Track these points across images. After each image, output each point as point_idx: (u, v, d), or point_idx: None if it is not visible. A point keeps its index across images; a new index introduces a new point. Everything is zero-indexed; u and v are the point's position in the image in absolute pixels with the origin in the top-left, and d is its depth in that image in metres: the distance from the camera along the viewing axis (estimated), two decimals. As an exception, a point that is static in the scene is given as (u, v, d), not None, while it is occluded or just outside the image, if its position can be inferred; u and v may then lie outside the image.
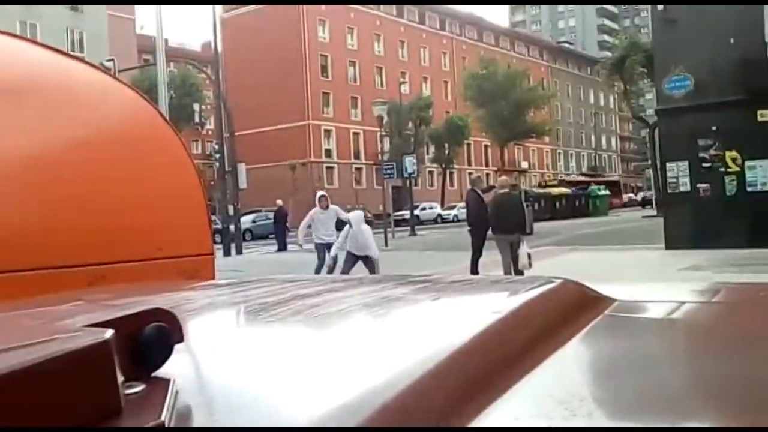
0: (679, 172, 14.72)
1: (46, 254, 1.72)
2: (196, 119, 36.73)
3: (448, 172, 64.01)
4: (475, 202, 11.88)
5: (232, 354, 0.76)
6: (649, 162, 44.24)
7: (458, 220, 41.93)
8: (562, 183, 52.06)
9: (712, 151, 14.28)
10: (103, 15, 49.93)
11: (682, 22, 14.68)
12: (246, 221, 35.32)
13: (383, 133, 39.01)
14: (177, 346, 0.58)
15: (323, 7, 62.18)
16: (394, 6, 70.79)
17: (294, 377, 0.65)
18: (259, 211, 40.00)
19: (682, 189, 14.67)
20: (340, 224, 11.95)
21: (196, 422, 0.54)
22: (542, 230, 23.68)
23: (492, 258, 11.18)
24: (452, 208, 52.10)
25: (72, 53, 2.59)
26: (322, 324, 0.90)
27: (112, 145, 2.05)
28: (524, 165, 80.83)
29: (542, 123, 65.71)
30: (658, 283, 1.37)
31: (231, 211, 26.04)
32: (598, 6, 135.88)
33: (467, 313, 0.96)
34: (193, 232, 2.24)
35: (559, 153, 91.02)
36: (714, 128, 14.14)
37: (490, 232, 11.16)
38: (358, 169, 63.84)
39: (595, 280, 1.08)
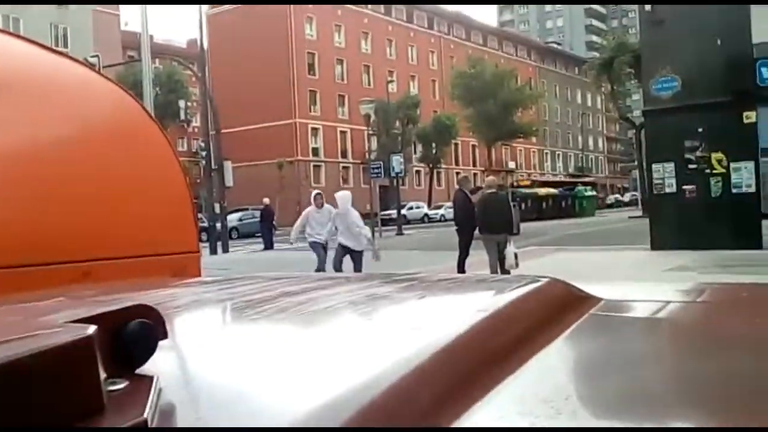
0: (665, 173, 14.79)
1: (31, 251, 1.71)
2: (182, 116, 36.62)
3: (435, 171, 64.12)
4: (462, 202, 11.89)
5: (216, 351, 0.75)
6: (636, 163, 44.52)
7: (445, 220, 41.98)
8: (534, 183, 52.01)
9: (698, 153, 14.36)
10: (88, 10, 49.55)
11: (670, 23, 14.75)
12: (232, 219, 35.22)
13: (370, 132, 38.94)
14: (161, 343, 0.57)
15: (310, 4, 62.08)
16: (381, 4, 70.76)
17: (279, 375, 0.65)
18: (246, 209, 39.88)
19: (667, 190, 14.74)
20: None
21: (180, 420, 0.53)
22: (529, 230, 23.75)
23: (479, 258, 11.20)
24: (439, 207, 52.18)
25: (56, 48, 2.57)
26: (308, 322, 0.90)
27: (97, 142, 2.04)
28: (511, 165, 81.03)
29: (529, 123, 65.92)
30: (643, 282, 1.38)
31: (217, 209, 25.94)
32: (586, 6, 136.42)
33: (453, 311, 0.96)
34: (179, 229, 2.23)
35: (546, 153, 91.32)
36: (700, 130, 14.22)
37: (477, 232, 11.18)
38: (345, 168, 63.79)
39: (581, 280, 1.08)
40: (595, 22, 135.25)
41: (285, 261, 19.15)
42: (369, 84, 65.70)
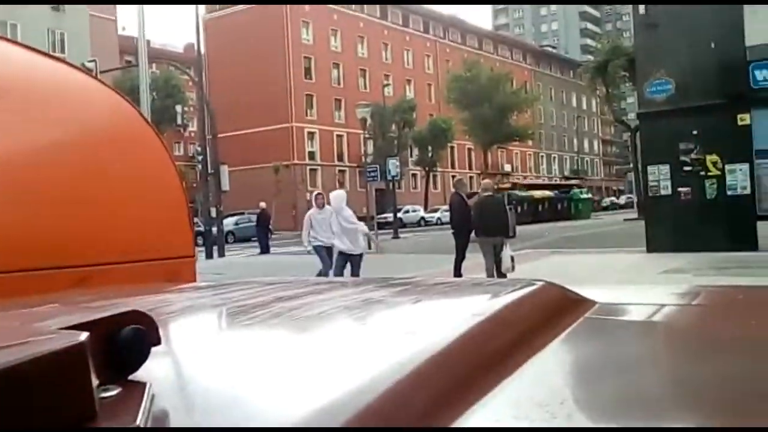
0: (660, 176, 14.82)
1: (26, 256, 1.70)
2: (179, 121, 36.58)
3: (431, 174, 64.19)
4: (459, 205, 11.90)
5: (210, 357, 0.75)
6: (631, 165, 44.61)
7: (441, 223, 42.05)
8: (515, 186, 51.95)
9: (692, 155, 14.39)
10: (85, 15, 49.56)
11: (664, 26, 14.80)
12: (228, 223, 35.20)
13: (367, 136, 39.09)
14: (154, 349, 0.57)
15: (307, 8, 62.15)
16: (377, 8, 70.87)
17: (273, 381, 0.64)
18: (242, 213, 39.89)
19: (663, 192, 14.78)
20: None
21: (173, 426, 0.53)
22: (525, 233, 23.78)
23: (475, 261, 11.21)
24: (435, 211, 52.25)
25: (53, 54, 2.56)
26: (303, 326, 0.90)
27: (93, 147, 2.04)
28: (507, 168, 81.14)
29: (525, 126, 66.05)
30: (638, 285, 1.38)
31: (213, 214, 25.93)
32: (581, 10, 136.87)
33: (448, 315, 0.96)
34: (175, 234, 2.23)
35: (542, 156, 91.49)
36: (695, 132, 14.26)
37: (473, 235, 11.19)
38: (342, 172, 63.80)
39: (576, 283, 1.08)
40: (589, 26, 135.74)
41: (281, 265, 19.13)
42: (365, 88, 65.78)
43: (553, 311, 0.91)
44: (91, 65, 22.67)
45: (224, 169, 26.55)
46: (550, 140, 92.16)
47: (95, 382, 0.49)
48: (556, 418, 0.58)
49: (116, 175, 2.01)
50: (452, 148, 69.45)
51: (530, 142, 79.78)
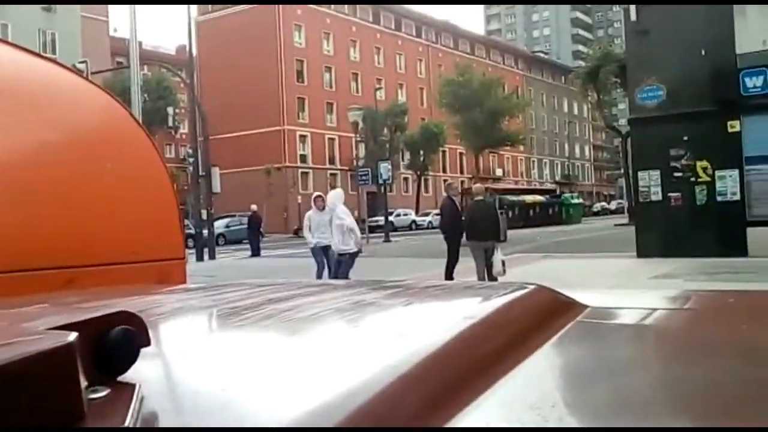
0: (650, 181, 14.89)
1: (14, 257, 1.69)
2: (170, 123, 36.46)
3: (422, 178, 64.27)
4: (450, 209, 11.91)
5: (200, 359, 0.75)
6: (622, 171, 44.78)
7: (433, 227, 42.08)
8: (494, 191, 51.85)
9: (683, 161, 14.47)
10: (76, 16, 49.39)
11: (655, 33, 14.89)
12: (219, 226, 35.12)
13: (358, 139, 39.08)
14: (143, 351, 0.57)
15: (299, 12, 62.16)
16: (370, 12, 70.96)
17: (263, 382, 0.64)
18: (233, 215, 39.80)
19: (653, 198, 14.84)
20: None
21: (162, 428, 0.53)
22: (516, 237, 23.83)
23: (466, 265, 11.22)
24: (427, 214, 52.29)
25: (43, 54, 2.55)
26: (294, 328, 0.89)
27: (83, 148, 2.03)
28: (499, 172, 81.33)
29: (517, 131, 66.22)
30: (629, 289, 1.38)
31: (204, 216, 25.86)
32: (573, 16, 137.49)
33: (439, 318, 0.96)
34: (165, 236, 2.22)
35: (533, 161, 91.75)
36: (685, 138, 14.34)
37: (464, 239, 11.19)
38: (333, 175, 63.79)
39: (567, 287, 1.08)
40: (581, 32, 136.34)
41: (272, 268, 19.11)
42: (357, 91, 65.84)
43: (544, 314, 0.91)
44: (82, 66, 22.59)
45: (215, 172, 26.49)
46: (541, 145, 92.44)
47: (84, 383, 0.48)
48: (548, 421, 0.58)
49: (106, 177, 2.00)
50: (444, 152, 69.57)
51: (522, 147, 79.95)
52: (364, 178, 30.20)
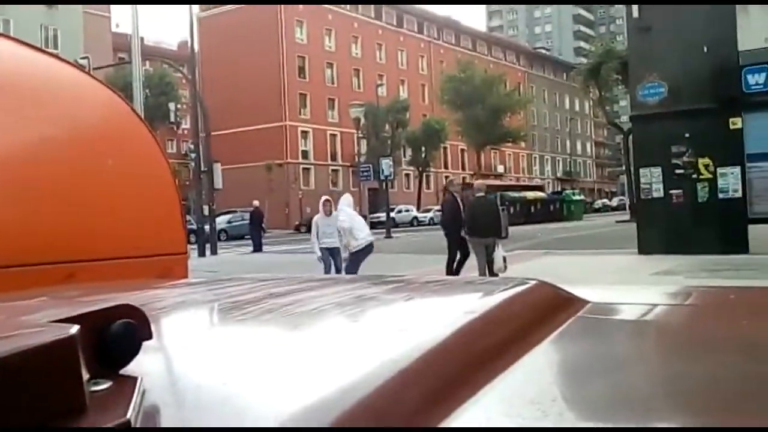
0: (652, 178, 14.87)
1: (17, 251, 1.69)
2: (172, 118, 36.48)
3: (424, 175, 64.19)
4: (450, 205, 11.91)
5: (201, 352, 0.75)
6: (623, 168, 44.75)
7: (434, 223, 42.04)
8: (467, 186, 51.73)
9: (684, 158, 14.45)
10: (78, 12, 49.31)
11: (657, 30, 14.85)
12: (221, 222, 35.14)
13: (360, 135, 39.03)
14: (145, 344, 0.57)
15: (301, 8, 62.06)
16: (372, 8, 70.84)
17: (264, 377, 0.64)
18: (235, 211, 39.80)
19: (655, 195, 14.82)
20: None
21: (163, 422, 0.53)
22: (517, 234, 23.79)
23: (468, 261, 11.22)
24: (428, 211, 52.28)
25: (45, 49, 2.55)
26: (294, 323, 0.89)
27: (86, 143, 2.03)
28: (500, 169, 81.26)
29: (518, 128, 66.11)
30: (631, 285, 1.38)
31: (206, 212, 25.87)
32: (575, 12, 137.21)
33: (441, 313, 0.96)
34: (167, 231, 2.22)
35: (535, 158, 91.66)
36: (687, 135, 14.31)
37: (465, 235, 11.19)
38: (335, 171, 63.77)
39: (568, 283, 1.08)
40: (583, 29, 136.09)
41: (274, 263, 19.12)
42: (359, 88, 65.77)
43: (546, 310, 0.91)
44: (84, 62, 22.57)
45: (217, 167, 26.50)
46: (543, 142, 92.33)
47: (86, 375, 0.48)
48: (548, 416, 0.58)
49: (108, 172, 2.01)
50: (445, 148, 69.48)
51: (523, 144, 79.88)
52: (365, 174, 30.21)
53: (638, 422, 0.58)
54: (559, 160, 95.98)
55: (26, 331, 0.49)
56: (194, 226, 24.83)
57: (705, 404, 0.63)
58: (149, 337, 0.58)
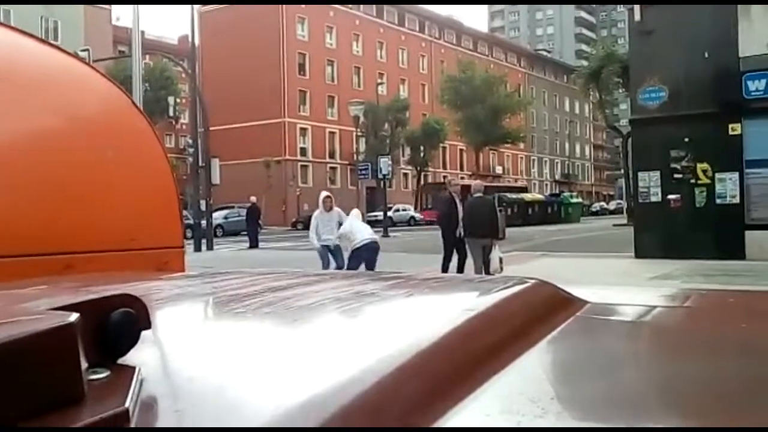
0: (650, 182, 14.89)
1: (12, 242, 1.69)
2: (171, 113, 36.39)
3: (422, 174, 64.20)
4: (446, 204, 11.90)
5: (200, 344, 0.75)
6: (622, 171, 44.76)
7: (431, 223, 42.07)
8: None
9: (683, 163, 14.47)
10: (79, 4, 49.22)
11: (659, 34, 14.87)
12: (218, 217, 35.07)
13: (359, 134, 39.05)
14: (144, 334, 0.57)
15: (303, 5, 62.03)
16: (373, 7, 70.81)
17: (262, 370, 0.64)
18: (232, 207, 39.77)
19: (653, 199, 14.84)
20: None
21: (161, 411, 0.53)
22: (514, 235, 23.81)
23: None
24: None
25: (45, 39, 2.54)
26: (292, 317, 0.89)
27: (84, 134, 2.02)
28: (499, 170, 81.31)
29: (518, 129, 66.13)
30: (630, 287, 1.38)
31: (203, 207, 25.82)
32: (577, 15, 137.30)
33: (440, 310, 0.96)
34: (164, 224, 2.22)
35: (533, 159, 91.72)
36: (686, 140, 14.34)
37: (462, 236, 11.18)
38: (333, 169, 63.74)
39: (565, 286, 1.08)
40: (584, 31, 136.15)
41: (270, 260, 19.10)
42: (359, 86, 65.74)
43: (545, 309, 0.91)
44: (84, 54, 22.52)
45: (215, 163, 26.45)
46: (542, 144, 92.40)
47: (84, 364, 0.48)
48: (547, 413, 0.58)
49: (107, 163, 2.00)
50: (444, 148, 69.51)
51: (522, 145, 79.94)
52: (364, 172, 30.21)
53: (636, 422, 0.58)
54: (557, 163, 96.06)
55: (26, 318, 0.49)
56: (191, 221, 24.79)
57: (703, 405, 0.63)
58: (148, 326, 0.58)
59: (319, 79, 64.18)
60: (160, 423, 0.52)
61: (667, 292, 1.30)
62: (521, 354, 0.73)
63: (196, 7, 33.32)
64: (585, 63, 52.11)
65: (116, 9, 55.19)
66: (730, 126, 13.94)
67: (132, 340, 0.55)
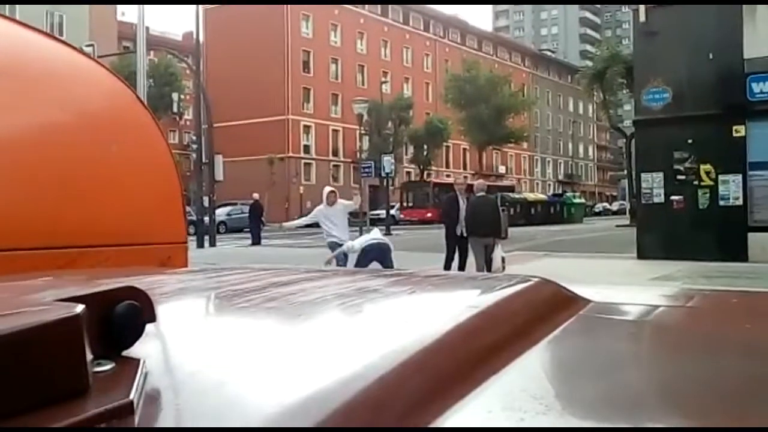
0: (653, 183, 14.88)
1: (16, 236, 1.69)
2: (175, 109, 36.44)
3: (425, 173, 64.18)
4: (447, 203, 11.91)
5: (204, 337, 0.75)
6: (625, 172, 44.74)
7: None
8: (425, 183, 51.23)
9: (687, 164, 14.45)
10: (85, 0, 49.19)
11: (663, 35, 14.84)
12: (221, 214, 35.09)
13: (362, 132, 39.01)
14: (148, 327, 0.57)
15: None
16: (378, 5, 70.77)
17: (263, 365, 0.64)
18: (235, 204, 39.78)
19: (656, 200, 14.83)
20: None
21: (165, 404, 0.53)
22: (517, 235, 23.78)
23: (467, 260, 11.22)
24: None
25: (51, 33, 2.54)
26: (294, 313, 0.89)
27: (89, 129, 2.03)
28: (502, 169, 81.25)
29: (521, 129, 66.06)
30: (633, 286, 1.38)
31: (206, 203, 25.84)
32: (581, 15, 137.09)
33: (443, 307, 0.96)
34: (168, 219, 2.22)
35: (537, 159, 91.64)
36: (690, 141, 14.32)
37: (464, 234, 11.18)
38: (336, 167, 63.74)
39: (567, 285, 1.08)
40: (589, 32, 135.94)
41: (273, 256, 19.12)
42: (363, 84, 65.72)
43: (548, 307, 0.91)
44: (89, 49, 22.49)
45: (219, 159, 26.47)
46: (545, 144, 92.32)
47: (89, 355, 0.48)
48: (550, 411, 0.58)
49: (111, 158, 2.00)
50: (447, 147, 69.49)
51: (525, 145, 79.87)
52: (367, 170, 30.20)
53: (639, 420, 0.58)
54: (560, 163, 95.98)
55: (32, 309, 0.49)
56: (194, 218, 24.81)
57: (706, 405, 0.63)
58: (153, 319, 0.58)
59: (323, 76, 64.17)
60: (165, 415, 0.52)
61: (669, 292, 1.31)
62: (524, 352, 0.73)
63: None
64: (589, 63, 51.99)
65: (121, 5, 55.14)
66: (734, 128, 13.92)
67: (137, 333, 0.55)
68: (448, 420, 0.55)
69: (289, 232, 11.48)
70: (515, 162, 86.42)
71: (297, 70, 62.03)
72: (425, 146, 61.90)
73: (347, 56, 66.74)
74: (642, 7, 15.33)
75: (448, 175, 62.91)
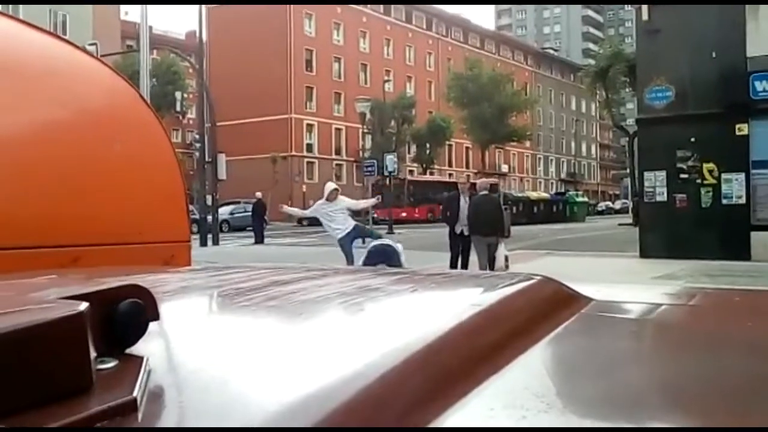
0: (656, 182, 14.85)
1: (20, 234, 1.70)
2: (178, 108, 36.43)
3: (428, 172, 64.20)
4: (450, 200, 11.91)
5: (207, 336, 0.75)
6: (628, 171, 44.69)
7: (435, 220, 42.03)
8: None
9: (689, 163, 14.43)
10: (88, -2, 49.21)
11: (666, 33, 14.82)
12: (224, 212, 35.13)
13: (365, 131, 39.10)
14: (152, 325, 0.57)
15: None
16: (381, 4, 70.76)
17: (265, 362, 0.64)
18: (238, 202, 39.80)
19: (658, 199, 14.81)
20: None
21: (168, 402, 0.53)
22: (519, 233, 23.75)
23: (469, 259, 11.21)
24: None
25: (54, 32, 2.55)
26: (296, 311, 0.89)
27: (95, 127, 2.03)
28: (504, 168, 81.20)
29: (524, 127, 66.06)
30: (635, 285, 1.38)
31: (209, 202, 25.85)
32: (584, 14, 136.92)
33: (445, 305, 0.96)
34: (171, 218, 2.22)
35: (539, 158, 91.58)
36: (692, 140, 14.30)
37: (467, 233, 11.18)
38: (339, 165, 63.75)
39: (570, 283, 1.08)
40: (592, 30, 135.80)
41: (276, 255, 19.13)
42: (366, 83, 65.72)
43: (550, 305, 0.91)
44: (92, 48, 22.53)
45: (222, 158, 26.47)
46: (547, 142, 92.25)
47: (93, 353, 0.48)
48: (552, 409, 0.58)
49: (115, 157, 2.01)
50: (450, 146, 69.50)
51: (528, 144, 79.87)
52: (369, 169, 30.21)
53: (641, 419, 0.58)
54: (563, 161, 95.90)
55: (35, 307, 0.49)
56: (196, 216, 24.83)
57: (709, 403, 0.63)
58: (157, 317, 0.58)
59: (325, 75, 64.18)
60: (168, 413, 0.52)
61: (672, 290, 1.31)
62: (525, 350, 0.73)
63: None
64: (592, 62, 51.98)
65: (124, 4, 55.15)
66: (737, 126, 13.89)
67: (140, 331, 0.55)
68: (450, 418, 0.55)
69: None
70: (518, 160, 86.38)
71: (300, 69, 62.04)
72: (428, 145, 61.93)
73: (350, 55, 66.73)
74: (644, 6, 15.31)
75: (450, 174, 62.78)
